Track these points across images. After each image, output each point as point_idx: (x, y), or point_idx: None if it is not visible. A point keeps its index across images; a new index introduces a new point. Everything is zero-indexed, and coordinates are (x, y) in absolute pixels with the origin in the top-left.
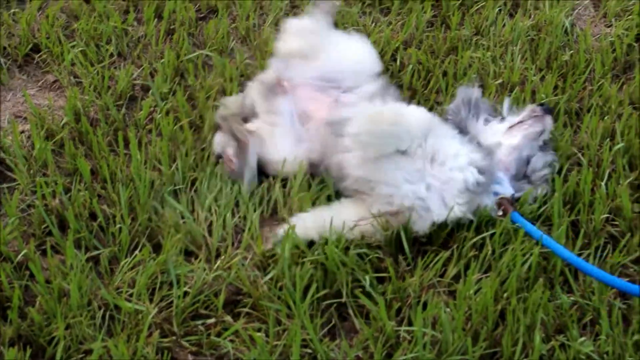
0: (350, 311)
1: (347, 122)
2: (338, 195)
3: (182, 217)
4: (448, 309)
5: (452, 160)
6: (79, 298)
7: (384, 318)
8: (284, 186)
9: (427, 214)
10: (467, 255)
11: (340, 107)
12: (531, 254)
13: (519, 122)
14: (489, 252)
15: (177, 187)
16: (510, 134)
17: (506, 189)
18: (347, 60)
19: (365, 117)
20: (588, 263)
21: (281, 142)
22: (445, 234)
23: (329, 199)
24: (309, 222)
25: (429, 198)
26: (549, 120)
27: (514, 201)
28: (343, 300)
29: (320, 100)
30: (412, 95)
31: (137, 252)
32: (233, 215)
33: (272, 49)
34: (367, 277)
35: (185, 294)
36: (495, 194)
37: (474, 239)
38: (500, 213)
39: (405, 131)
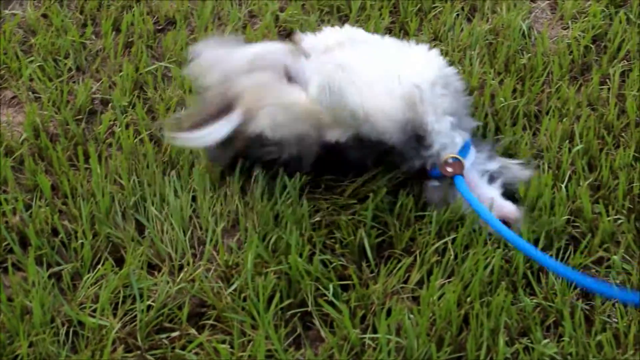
0: (315, 320)
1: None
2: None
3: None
4: (412, 315)
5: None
6: (41, 315)
7: (348, 326)
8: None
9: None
10: (430, 261)
11: None
12: (493, 257)
13: None
14: (452, 256)
15: (138, 201)
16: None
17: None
18: None
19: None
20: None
21: None
22: (408, 239)
23: (291, 205)
24: None
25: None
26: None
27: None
28: (308, 309)
29: None
30: None
31: (99, 266)
32: (194, 227)
33: None
34: (330, 286)
35: (149, 307)
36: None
37: (436, 244)
38: (450, 170)
39: None
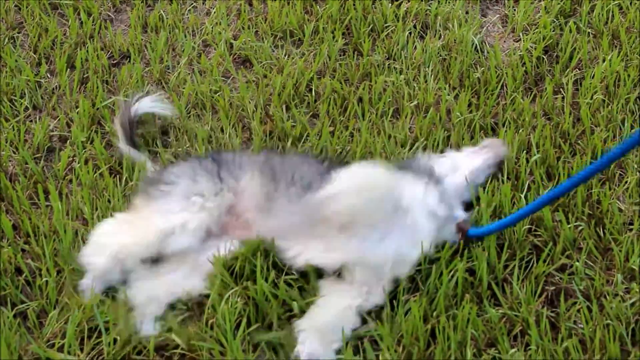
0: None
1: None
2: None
3: None
4: (377, 332)
5: (418, 206)
6: (8, 355)
7: None
8: None
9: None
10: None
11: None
12: (457, 270)
13: (478, 150)
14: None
15: None
16: (471, 158)
17: (460, 214)
18: None
19: (347, 193)
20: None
21: None
22: None
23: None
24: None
25: (401, 246)
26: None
27: (468, 221)
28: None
29: None
30: (330, 124)
31: (65, 301)
32: None
33: (188, 90)
34: (295, 305)
35: (116, 340)
36: (455, 218)
37: None
38: (460, 236)
39: (387, 194)
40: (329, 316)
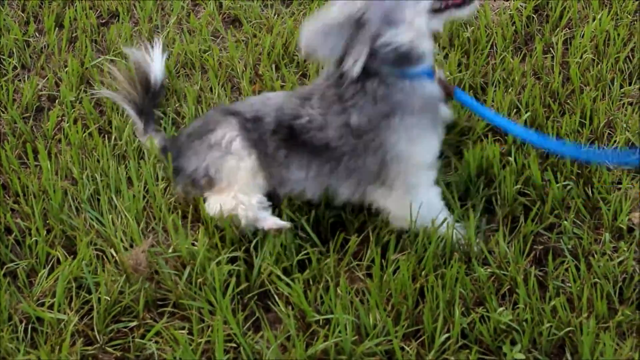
0: (274, 301)
1: None
2: None
3: (101, 223)
4: (367, 292)
5: None
6: None
7: (304, 305)
8: None
9: None
10: (385, 238)
11: None
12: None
13: None
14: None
15: (92, 194)
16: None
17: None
18: None
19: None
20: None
21: None
22: (362, 221)
23: None
24: None
25: None
26: None
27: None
28: (266, 291)
29: None
30: None
31: (53, 260)
32: (148, 217)
33: (177, 50)
34: (286, 266)
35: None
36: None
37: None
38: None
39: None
40: None
